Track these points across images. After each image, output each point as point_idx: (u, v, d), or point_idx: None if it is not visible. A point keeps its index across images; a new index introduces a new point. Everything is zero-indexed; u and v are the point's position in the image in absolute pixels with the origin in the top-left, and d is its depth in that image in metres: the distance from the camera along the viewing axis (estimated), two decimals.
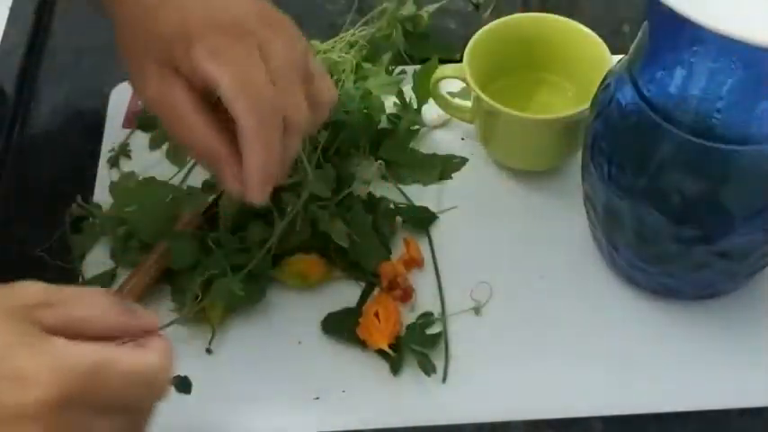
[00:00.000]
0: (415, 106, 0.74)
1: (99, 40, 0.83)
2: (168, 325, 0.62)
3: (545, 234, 0.68)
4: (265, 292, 0.64)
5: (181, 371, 0.61)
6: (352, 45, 0.74)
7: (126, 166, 0.73)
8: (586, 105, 0.62)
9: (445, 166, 0.71)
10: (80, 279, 0.66)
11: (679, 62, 0.51)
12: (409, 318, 0.63)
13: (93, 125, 0.76)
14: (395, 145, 0.71)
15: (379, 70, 0.73)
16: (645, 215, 0.56)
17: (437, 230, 0.68)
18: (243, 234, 0.65)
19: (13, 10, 0.84)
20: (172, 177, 0.71)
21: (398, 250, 0.67)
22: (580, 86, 0.67)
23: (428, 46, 0.77)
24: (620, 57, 0.59)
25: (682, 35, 0.50)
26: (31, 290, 0.42)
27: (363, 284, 0.65)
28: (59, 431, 0.39)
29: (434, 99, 0.70)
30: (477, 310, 0.64)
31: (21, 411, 0.38)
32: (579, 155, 0.63)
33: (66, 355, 0.39)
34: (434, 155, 0.72)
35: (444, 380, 0.61)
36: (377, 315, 0.62)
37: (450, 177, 0.71)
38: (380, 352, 0.61)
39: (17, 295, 0.41)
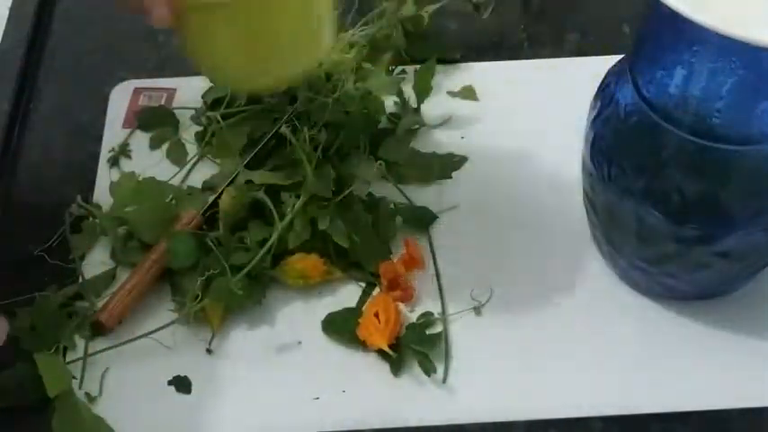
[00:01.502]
0: (415, 106, 0.74)
1: (99, 40, 0.83)
2: (168, 325, 0.62)
3: (545, 234, 0.68)
4: (265, 292, 0.64)
5: (181, 371, 0.62)
6: (352, 45, 0.74)
7: (126, 166, 0.73)
8: None
9: (445, 166, 0.71)
10: (80, 279, 0.66)
11: (679, 62, 0.51)
12: (409, 318, 0.63)
13: (94, 125, 0.76)
14: (395, 145, 0.71)
15: (379, 70, 0.73)
16: (645, 215, 0.56)
17: (437, 230, 0.68)
18: (243, 234, 0.65)
19: (12, 10, 0.84)
20: (172, 177, 0.71)
21: (398, 250, 0.67)
22: None
23: (428, 46, 0.77)
24: (620, 57, 0.59)
25: (682, 35, 0.50)
26: None
27: (363, 284, 0.65)
28: None
29: None
30: (477, 310, 0.64)
31: None
32: (580, 154, 0.63)
33: None
34: (434, 154, 0.72)
35: (444, 380, 0.61)
36: (377, 315, 0.62)
37: (451, 177, 0.71)
38: (380, 352, 0.61)
39: None
